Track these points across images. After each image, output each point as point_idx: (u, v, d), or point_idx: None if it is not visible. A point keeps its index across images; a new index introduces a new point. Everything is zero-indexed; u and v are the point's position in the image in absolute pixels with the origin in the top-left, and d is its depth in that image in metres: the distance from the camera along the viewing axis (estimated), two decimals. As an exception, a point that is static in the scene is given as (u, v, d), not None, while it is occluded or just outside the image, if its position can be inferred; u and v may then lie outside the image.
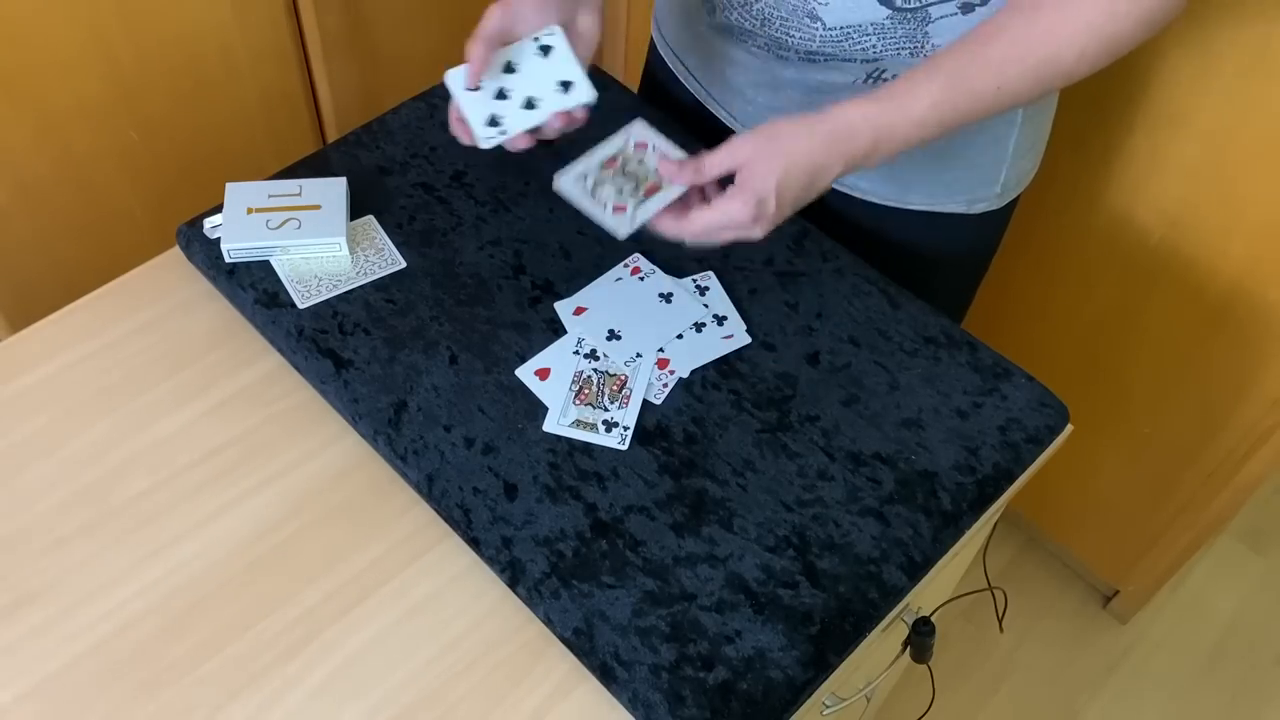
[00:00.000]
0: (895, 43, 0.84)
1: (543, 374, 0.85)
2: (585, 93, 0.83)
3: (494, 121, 0.83)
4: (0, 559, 0.76)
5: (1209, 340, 1.33)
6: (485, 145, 0.84)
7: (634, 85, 1.14)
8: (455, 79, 0.83)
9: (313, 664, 0.73)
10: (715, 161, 0.77)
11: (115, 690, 0.71)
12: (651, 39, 1.11)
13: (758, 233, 0.77)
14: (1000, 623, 1.23)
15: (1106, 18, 0.74)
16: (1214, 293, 1.29)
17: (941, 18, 0.82)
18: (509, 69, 0.83)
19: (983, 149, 0.95)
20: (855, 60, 0.87)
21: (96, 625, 0.74)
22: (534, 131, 0.84)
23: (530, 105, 0.83)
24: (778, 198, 0.74)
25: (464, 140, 0.84)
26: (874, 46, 0.85)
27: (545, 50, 0.83)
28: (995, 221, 1.03)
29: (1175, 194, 1.26)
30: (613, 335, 0.87)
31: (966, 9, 0.81)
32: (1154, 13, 0.74)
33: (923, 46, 0.84)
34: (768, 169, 0.74)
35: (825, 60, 0.88)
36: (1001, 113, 0.78)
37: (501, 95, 0.84)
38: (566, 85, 0.84)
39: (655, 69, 1.10)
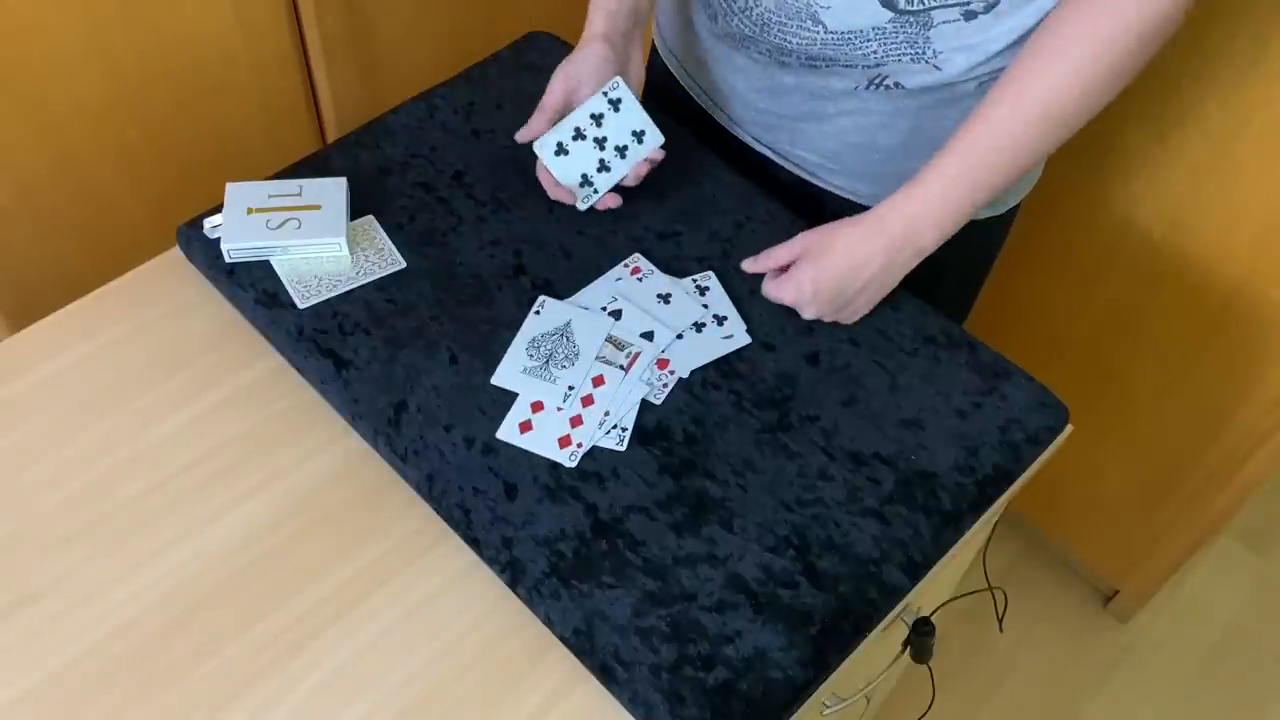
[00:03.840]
0: (896, 47, 0.84)
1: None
2: (656, 137, 0.92)
3: (586, 181, 0.92)
4: (0, 559, 0.76)
5: (1210, 340, 1.33)
6: (583, 206, 0.93)
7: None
8: (544, 146, 0.91)
9: (313, 664, 0.73)
10: (779, 255, 0.88)
11: (115, 690, 0.71)
12: (653, 45, 1.11)
13: (809, 313, 0.88)
14: (1000, 623, 1.23)
15: (1096, 51, 0.77)
16: (1215, 293, 1.28)
17: (944, 23, 0.82)
18: (585, 131, 0.90)
19: None
20: (856, 65, 0.87)
21: (96, 625, 0.74)
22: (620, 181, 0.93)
23: (613, 160, 0.92)
24: (815, 286, 0.86)
25: (567, 201, 0.94)
26: (875, 52, 0.85)
27: (615, 104, 0.90)
28: (998, 227, 1.03)
29: (1176, 194, 1.26)
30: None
31: (969, 15, 0.81)
32: (1150, 33, 0.78)
33: (924, 52, 0.84)
34: (809, 263, 0.86)
35: (827, 65, 0.88)
36: (1034, 164, 0.84)
37: (586, 158, 0.91)
38: (639, 134, 0.91)
39: (657, 74, 1.10)
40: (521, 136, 0.91)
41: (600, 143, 0.90)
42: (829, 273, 0.85)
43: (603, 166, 0.91)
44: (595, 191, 0.92)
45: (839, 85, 0.90)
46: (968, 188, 0.82)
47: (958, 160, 0.82)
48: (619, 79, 0.89)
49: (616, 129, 0.91)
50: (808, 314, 0.88)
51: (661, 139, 0.92)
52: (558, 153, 0.90)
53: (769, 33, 0.88)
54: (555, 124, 0.90)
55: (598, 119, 0.90)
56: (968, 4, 0.80)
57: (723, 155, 1.03)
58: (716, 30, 0.94)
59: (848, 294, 0.86)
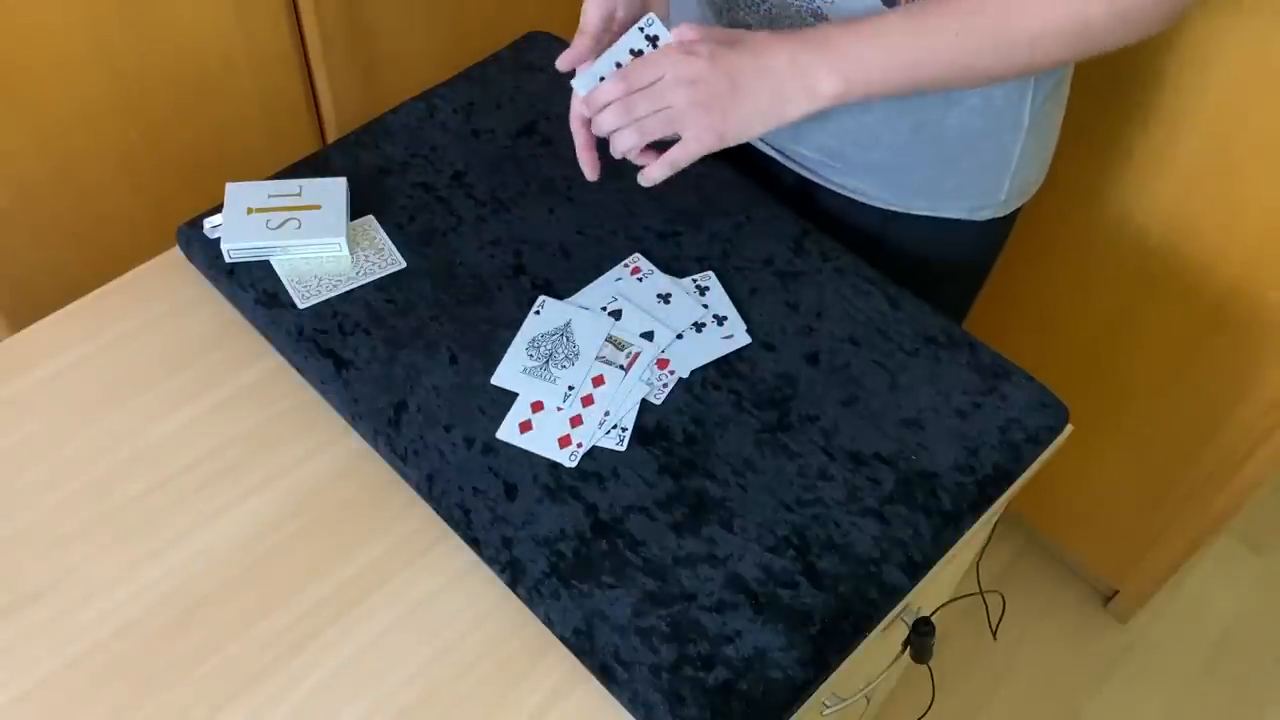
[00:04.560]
0: None
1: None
2: None
3: None
4: (0, 559, 0.76)
5: (1208, 341, 1.33)
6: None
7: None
8: (583, 80, 0.81)
9: (313, 664, 0.73)
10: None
11: (115, 690, 0.71)
12: None
13: (697, 65, 0.77)
14: (994, 631, 1.23)
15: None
16: (1213, 293, 1.29)
17: None
18: (624, 65, 0.81)
19: (987, 156, 0.95)
20: None
21: (96, 625, 0.74)
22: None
23: None
24: (710, 51, 0.76)
25: (590, 174, 0.85)
26: None
27: (652, 40, 0.81)
28: (998, 229, 1.03)
29: (1175, 195, 1.26)
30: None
31: None
32: (1135, 6, 0.73)
33: None
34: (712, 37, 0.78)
35: None
36: (965, 75, 0.78)
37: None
38: None
39: None
40: (563, 63, 0.83)
41: None
42: (732, 43, 0.77)
43: None
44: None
45: None
46: (891, 46, 0.77)
47: (896, 30, 0.77)
48: (653, 15, 0.82)
49: None
50: (686, 68, 0.77)
51: None
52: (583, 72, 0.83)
53: (776, 27, 0.88)
54: (596, 50, 0.83)
55: (637, 54, 0.82)
56: None
57: (725, 154, 1.03)
58: (724, 24, 0.94)
59: (744, 71, 0.77)
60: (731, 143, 0.79)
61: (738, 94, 0.77)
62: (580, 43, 0.82)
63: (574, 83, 0.83)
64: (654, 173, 0.81)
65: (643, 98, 0.78)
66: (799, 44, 0.77)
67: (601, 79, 0.81)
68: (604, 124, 0.80)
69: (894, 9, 0.78)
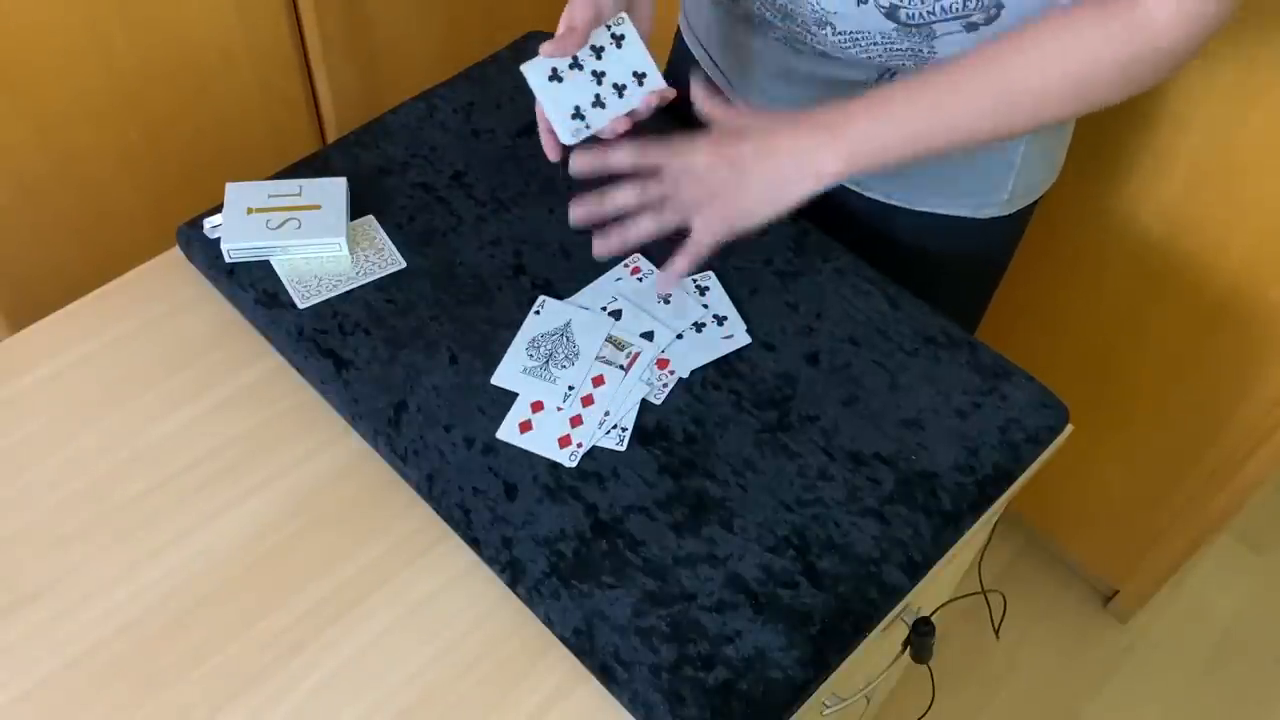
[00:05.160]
0: (901, 54, 0.85)
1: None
2: (658, 81, 0.85)
3: (578, 114, 0.84)
4: (0, 559, 0.76)
5: (1209, 340, 1.33)
6: (572, 141, 0.84)
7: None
8: (535, 70, 0.83)
9: (313, 664, 0.73)
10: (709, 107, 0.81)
11: (115, 690, 0.71)
12: (679, 24, 1.12)
13: (699, 157, 0.79)
14: (997, 631, 1.23)
15: (1074, 55, 0.74)
16: (1214, 292, 1.29)
17: (946, 34, 0.82)
18: (583, 62, 0.83)
19: (991, 155, 0.95)
20: (868, 63, 0.88)
21: (96, 625, 0.74)
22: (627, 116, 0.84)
23: (610, 97, 0.84)
24: (716, 141, 0.78)
25: (551, 154, 0.85)
26: (880, 55, 0.86)
27: (618, 40, 0.83)
28: (1004, 229, 1.03)
29: (1176, 194, 1.26)
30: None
31: (970, 27, 0.82)
32: (1134, 61, 0.73)
33: (928, 59, 0.85)
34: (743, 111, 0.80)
35: (839, 56, 0.89)
36: (971, 138, 0.78)
37: (581, 89, 0.84)
38: (640, 76, 0.85)
39: (680, 55, 1.11)
40: (547, 50, 0.83)
41: (598, 76, 0.85)
42: (737, 132, 0.79)
43: (598, 101, 0.85)
44: (586, 126, 0.85)
45: (851, 76, 0.91)
46: (900, 122, 0.77)
47: (905, 86, 0.77)
48: (625, 16, 0.84)
49: (617, 66, 0.85)
50: (698, 158, 0.79)
51: (664, 83, 0.86)
52: (551, 79, 0.84)
53: (790, 22, 0.88)
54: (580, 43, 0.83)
55: (598, 51, 0.84)
56: (969, 16, 0.80)
57: None
58: (737, 13, 0.95)
59: (745, 159, 0.78)
60: (741, 231, 0.80)
61: (742, 181, 0.78)
62: (570, 38, 0.82)
63: (524, 69, 0.83)
64: (680, 265, 0.81)
65: (651, 185, 0.79)
66: (802, 127, 0.78)
67: (554, 69, 0.83)
68: (622, 200, 0.80)
69: (895, 82, 0.78)
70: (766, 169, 0.78)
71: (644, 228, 0.80)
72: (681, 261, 0.80)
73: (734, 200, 0.79)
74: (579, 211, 0.81)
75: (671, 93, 0.86)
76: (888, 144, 0.77)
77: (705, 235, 0.79)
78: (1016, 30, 0.76)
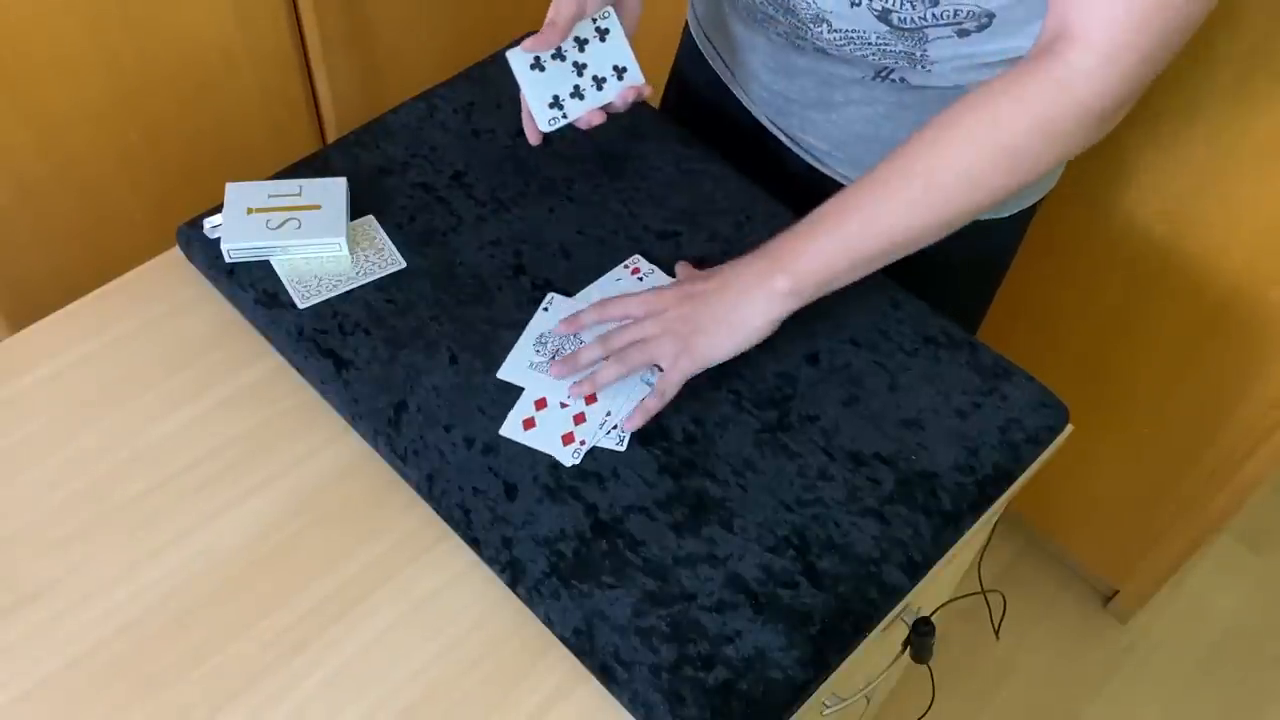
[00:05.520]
0: (894, 55, 0.86)
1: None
2: (637, 77, 0.87)
3: (556, 103, 0.87)
4: (0, 559, 0.76)
5: (1209, 340, 1.33)
6: (548, 129, 0.87)
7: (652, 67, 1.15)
8: (518, 58, 0.84)
9: (313, 664, 0.73)
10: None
11: (115, 690, 0.71)
12: (687, 17, 1.12)
13: (664, 299, 0.82)
14: (997, 631, 1.23)
15: (988, 126, 0.74)
16: (1214, 293, 1.29)
17: (938, 38, 0.83)
18: (566, 53, 0.86)
19: None
20: (863, 60, 0.88)
21: (96, 625, 0.74)
22: (602, 109, 0.88)
23: (589, 89, 0.87)
24: (701, 275, 0.83)
25: (532, 139, 0.89)
26: (875, 55, 0.86)
27: (602, 33, 0.86)
28: (1005, 231, 1.03)
29: (1176, 194, 1.26)
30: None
31: (962, 34, 0.82)
32: (1054, 120, 0.73)
33: (920, 61, 0.86)
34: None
35: (837, 53, 0.89)
36: (918, 236, 0.80)
37: (561, 79, 0.86)
38: (620, 70, 0.87)
39: (687, 47, 1.11)
40: (527, 45, 0.85)
41: (579, 68, 0.87)
42: (699, 275, 0.83)
43: (577, 92, 0.88)
44: (564, 116, 0.88)
45: (848, 73, 0.91)
46: (837, 247, 0.80)
47: (835, 207, 0.80)
48: (611, 10, 0.87)
49: (598, 59, 0.87)
50: (653, 304, 0.83)
51: (643, 79, 0.89)
52: (533, 67, 0.86)
53: (792, 16, 0.88)
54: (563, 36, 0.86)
55: (581, 43, 0.86)
56: (960, 24, 0.81)
57: (740, 132, 1.03)
58: (741, 5, 0.95)
59: (709, 299, 0.82)
60: (708, 364, 0.82)
61: (702, 314, 0.81)
62: (550, 33, 0.84)
63: (509, 56, 0.85)
64: (650, 405, 0.82)
65: (619, 332, 0.82)
66: (753, 258, 0.82)
67: (537, 58, 0.85)
68: (585, 358, 0.83)
69: (829, 200, 0.80)
70: (725, 297, 0.81)
71: (610, 372, 0.82)
72: (651, 402, 0.81)
73: (698, 332, 0.81)
74: (558, 370, 0.84)
75: (649, 89, 0.89)
76: (829, 256, 0.80)
77: (675, 374, 0.81)
78: (938, 115, 0.76)
